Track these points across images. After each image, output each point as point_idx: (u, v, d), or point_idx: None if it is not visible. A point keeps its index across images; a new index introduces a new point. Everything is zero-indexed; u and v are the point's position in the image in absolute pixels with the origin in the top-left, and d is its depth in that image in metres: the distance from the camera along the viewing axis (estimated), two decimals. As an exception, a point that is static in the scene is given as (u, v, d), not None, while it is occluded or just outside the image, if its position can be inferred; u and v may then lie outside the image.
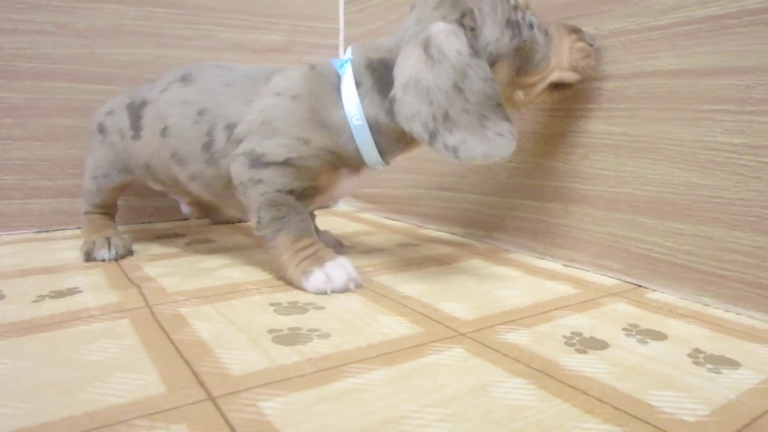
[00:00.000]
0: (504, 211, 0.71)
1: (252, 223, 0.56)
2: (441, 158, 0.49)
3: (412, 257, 0.67)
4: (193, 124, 0.59)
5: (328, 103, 0.54)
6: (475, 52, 0.49)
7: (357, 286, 0.54)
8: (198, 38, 0.90)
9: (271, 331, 0.44)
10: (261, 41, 0.96)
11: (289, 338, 0.43)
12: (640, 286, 0.56)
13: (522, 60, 0.53)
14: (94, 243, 0.66)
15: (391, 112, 0.50)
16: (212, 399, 0.34)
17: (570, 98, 0.61)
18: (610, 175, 0.58)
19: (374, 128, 0.54)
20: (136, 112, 0.65)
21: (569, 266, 0.63)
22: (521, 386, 0.36)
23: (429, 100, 0.48)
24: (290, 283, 0.55)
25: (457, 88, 0.48)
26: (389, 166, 0.58)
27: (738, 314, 0.49)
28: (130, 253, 0.68)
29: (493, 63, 0.51)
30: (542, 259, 0.66)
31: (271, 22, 0.97)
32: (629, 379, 0.37)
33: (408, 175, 0.89)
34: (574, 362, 0.39)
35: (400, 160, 0.60)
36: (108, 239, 0.67)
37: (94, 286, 0.55)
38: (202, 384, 0.36)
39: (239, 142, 0.55)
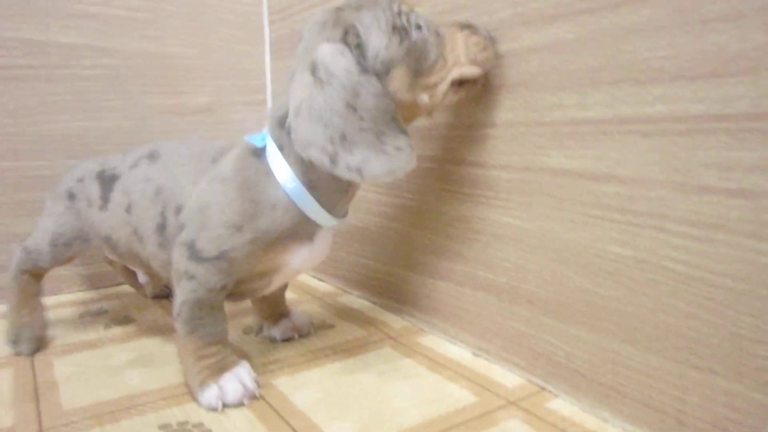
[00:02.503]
0: (419, 288, 0.71)
1: (173, 312, 0.55)
2: (346, 178, 0.49)
3: (321, 347, 0.67)
4: (150, 203, 0.59)
5: (259, 177, 0.53)
6: (363, 68, 0.49)
7: (250, 398, 0.54)
8: (124, 107, 0.91)
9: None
10: (188, 104, 0.97)
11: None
12: (544, 389, 0.55)
13: (417, 62, 0.52)
14: (17, 335, 0.66)
15: (314, 165, 0.50)
16: None
17: (471, 183, 0.61)
18: (512, 267, 0.58)
19: (309, 185, 0.53)
20: (107, 184, 0.65)
21: (478, 355, 0.63)
22: None
23: (323, 123, 0.47)
24: (188, 388, 0.55)
25: (351, 107, 0.47)
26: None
27: (634, 433, 0.48)
28: (44, 340, 0.68)
29: (387, 70, 0.50)
30: (453, 343, 0.66)
31: (197, 85, 0.98)
32: None
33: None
34: None
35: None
36: (29, 332, 0.66)
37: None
38: None
39: (182, 227, 0.55)
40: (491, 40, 0.56)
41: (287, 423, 0.50)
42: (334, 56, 0.48)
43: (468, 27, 0.55)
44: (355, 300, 0.84)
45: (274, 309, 0.70)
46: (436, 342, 0.67)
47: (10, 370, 0.62)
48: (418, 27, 0.51)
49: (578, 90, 0.49)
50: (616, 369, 0.49)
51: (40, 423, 0.51)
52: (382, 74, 0.50)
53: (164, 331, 0.72)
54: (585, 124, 0.49)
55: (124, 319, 0.77)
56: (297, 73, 0.51)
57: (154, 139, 0.90)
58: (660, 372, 0.46)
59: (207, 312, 0.54)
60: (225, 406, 0.53)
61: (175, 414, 0.52)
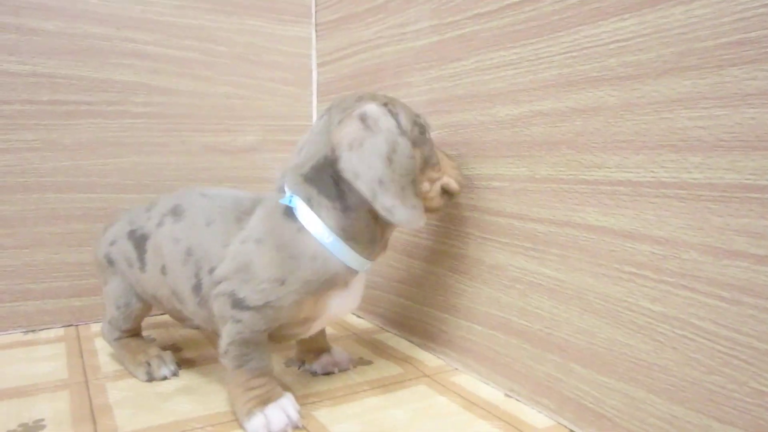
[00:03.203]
0: (454, 330, 0.74)
1: (220, 350, 0.59)
2: (380, 214, 0.55)
3: (359, 382, 0.70)
4: (182, 265, 0.62)
5: (292, 235, 0.57)
6: (402, 131, 0.56)
7: (294, 428, 0.57)
8: (174, 144, 0.96)
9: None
10: (235, 143, 1.01)
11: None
12: (572, 431, 0.58)
13: (427, 154, 0.61)
14: (149, 364, 0.70)
15: (346, 209, 0.56)
16: None
17: (510, 233, 0.64)
18: (545, 315, 0.60)
19: (344, 235, 0.57)
20: (140, 244, 0.68)
21: (510, 396, 0.65)
22: None
23: (369, 163, 0.54)
24: (235, 416, 0.59)
25: (389, 159, 0.54)
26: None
27: (653, 477, 0.50)
28: (178, 365, 0.73)
29: (412, 146, 0.58)
30: (486, 384, 0.68)
31: (245, 124, 1.02)
32: None
33: (371, 276, 0.93)
34: None
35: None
36: (161, 357, 0.71)
37: (57, 419, 0.59)
38: None
39: (218, 283, 0.58)
40: (464, 177, 0.68)
41: (329, 455, 0.53)
42: (382, 112, 0.56)
43: (450, 156, 0.67)
44: (393, 338, 0.87)
45: (315, 344, 0.73)
46: (469, 382, 0.70)
47: (66, 392, 0.66)
48: (428, 132, 0.62)
49: (619, 152, 0.52)
50: (642, 416, 0.51)
51: (99, 442, 0.55)
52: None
53: (209, 360, 0.76)
54: (624, 185, 0.52)
55: (171, 347, 0.81)
56: (341, 123, 0.57)
57: (202, 176, 0.95)
58: (683, 422, 0.48)
59: (253, 348, 0.58)
60: (270, 434, 0.56)
61: (224, 440, 0.56)
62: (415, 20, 0.78)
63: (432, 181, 0.62)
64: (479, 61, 0.68)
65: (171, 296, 0.65)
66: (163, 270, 0.65)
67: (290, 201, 0.58)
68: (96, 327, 0.90)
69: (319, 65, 1.07)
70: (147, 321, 0.92)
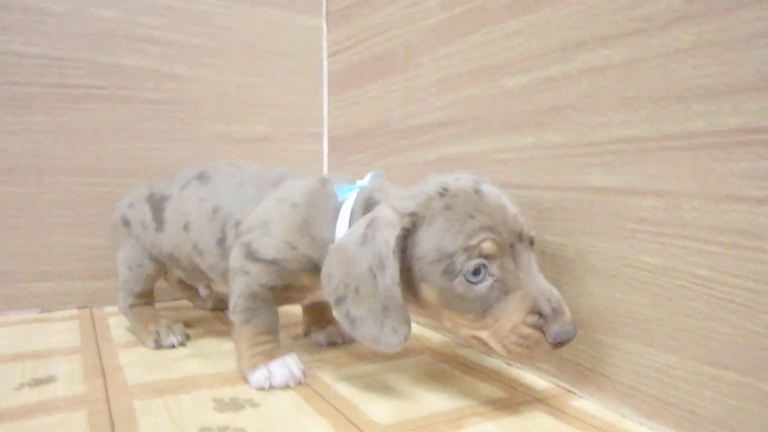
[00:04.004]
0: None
1: (230, 305, 0.61)
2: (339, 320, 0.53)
3: (364, 352, 0.71)
4: (209, 221, 0.66)
5: (322, 220, 0.59)
6: (396, 250, 0.48)
7: (296, 384, 0.58)
8: (184, 132, 0.97)
9: (201, 429, 0.48)
10: (245, 132, 1.03)
11: (214, 439, 0.47)
12: (571, 392, 0.58)
13: (450, 299, 0.49)
14: (158, 332, 0.71)
15: None
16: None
17: (516, 204, 0.65)
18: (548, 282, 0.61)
19: None
20: (157, 206, 0.72)
21: (511, 365, 0.65)
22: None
23: (346, 270, 0.51)
24: (241, 373, 0.60)
25: (372, 273, 0.49)
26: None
27: (650, 428, 0.50)
28: (187, 336, 0.74)
29: (423, 279, 0.49)
30: (488, 355, 0.69)
31: (256, 114, 1.03)
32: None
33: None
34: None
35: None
36: (169, 327, 0.72)
37: (69, 375, 0.61)
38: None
39: (241, 235, 0.62)
40: (549, 347, 0.47)
41: (329, 403, 0.54)
42: (386, 225, 0.49)
43: (538, 314, 0.47)
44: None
45: (322, 316, 0.74)
46: (471, 353, 0.70)
47: (79, 356, 0.68)
48: (474, 273, 0.47)
49: (624, 110, 0.53)
50: (639, 370, 0.52)
51: (107, 392, 0.56)
52: (416, 276, 0.50)
53: (221, 334, 0.78)
54: (628, 141, 0.53)
55: (184, 324, 0.82)
56: (364, 216, 0.54)
57: (210, 164, 0.98)
58: (677, 371, 0.49)
59: (260, 304, 0.60)
60: (272, 387, 0.57)
61: (228, 392, 0.57)
62: None
63: (456, 325, 0.51)
64: (488, 32, 0.69)
65: (191, 251, 0.68)
66: (186, 227, 0.68)
67: (345, 194, 0.59)
68: (110, 309, 0.91)
69: (329, 55, 1.09)
70: (159, 306, 0.94)
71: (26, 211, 0.87)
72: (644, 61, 0.52)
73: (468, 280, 0.47)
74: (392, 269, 0.48)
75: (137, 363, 0.65)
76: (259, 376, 0.57)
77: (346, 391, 0.58)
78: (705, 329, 0.47)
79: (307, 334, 0.76)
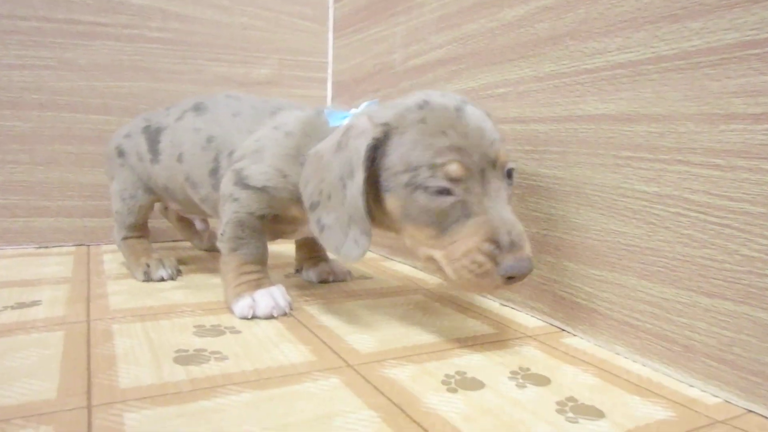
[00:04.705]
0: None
1: (218, 232, 0.60)
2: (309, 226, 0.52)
3: (356, 290, 0.69)
4: (202, 150, 0.65)
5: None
6: (366, 160, 0.47)
7: (280, 314, 0.57)
8: (189, 72, 0.97)
9: (177, 351, 0.47)
10: (250, 75, 1.02)
11: (188, 359, 0.46)
12: (563, 330, 0.56)
13: (411, 212, 0.47)
14: (148, 265, 0.71)
15: None
16: (88, 407, 0.38)
17: (512, 139, 0.62)
18: (542, 217, 0.59)
19: None
20: (153, 137, 0.71)
21: (505, 305, 0.64)
22: (367, 418, 0.37)
23: (321, 176, 0.51)
24: (226, 303, 0.59)
25: (342, 182, 0.49)
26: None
27: (643, 365, 0.48)
28: (179, 271, 0.73)
29: (387, 189, 0.48)
30: (483, 296, 0.67)
31: (261, 57, 1.02)
32: (477, 421, 0.38)
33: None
34: (434, 400, 0.40)
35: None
36: (160, 260, 0.72)
37: (53, 300, 0.60)
38: (88, 393, 0.39)
39: (234, 162, 0.60)
40: (496, 278, 0.44)
41: (312, 333, 0.53)
42: (361, 133, 0.48)
43: (495, 244, 0.44)
44: (398, 264, 0.86)
45: (314, 252, 0.73)
46: (468, 297, 0.68)
47: (67, 285, 0.67)
48: (438, 192, 0.45)
49: (621, 33, 0.51)
50: (633, 305, 0.50)
51: (88, 316, 0.56)
52: (381, 184, 0.48)
53: (211, 271, 0.77)
54: (624, 66, 0.51)
55: (178, 261, 0.82)
56: (345, 124, 0.53)
57: (208, 95, 0.96)
58: (672, 303, 0.46)
59: (248, 233, 0.58)
60: (255, 317, 0.56)
61: (211, 320, 0.56)
62: (429, -58, 0.77)
63: (415, 240, 0.49)
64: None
65: (184, 183, 0.67)
66: (180, 158, 0.67)
67: (338, 120, 0.57)
68: (107, 247, 0.91)
69: (335, 0, 1.07)
70: (157, 246, 0.93)
71: (27, 145, 0.87)
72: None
73: (429, 195, 0.45)
74: (359, 178, 0.47)
75: (123, 292, 0.65)
76: (242, 304, 0.56)
77: (330, 322, 0.57)
78: (701, 258, 0.44)
79: (298, 271, 0.75)
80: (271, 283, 0.59)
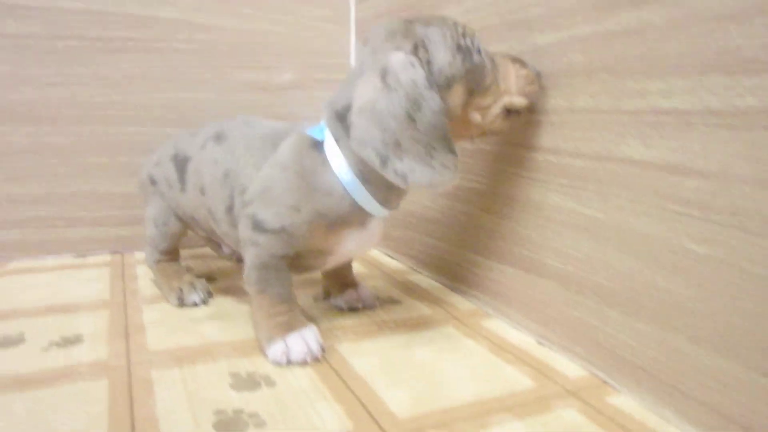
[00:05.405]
0: (486, 272, 0.71)
1: (244, 276, 0.60)
2: (391, 180, 0.52)
3: (385, 320, 0.69)
4: (220, 186, 0.64)
5: (315, 167, 0.57)
6: (429, 84, 0.51)
7: (313, 359, 0.57)
8: (214, 80, 0.97)
9: (216, 412, 0.48)
10: (273, 80, 1.02)
11: (227, 425, 0.46)
12: (605, 383, 0.55)
13: (474, 83, 0.54)
14: (181, 290, 0.72)
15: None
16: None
17: (545, 170, 0.60)
18: (581, 257, 0.57)
19: (363, 178, 0.56)
20: (181, 166, 0.71)
21: (542, 344, 0.62)
22: None
23: (382, 127, 0.50)
24: (258, 343, 0.60)
25: (410, 118, 0.50)
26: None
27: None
28: (210, 293, 0.75)
29: (449, 85, 0.53)
30: (517, 329, 0.66)
31: (284, 61, 1.02)
32: None
33: (404, 217, 0.91)
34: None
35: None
36: (192, 284, 0.73)
37: (94, 336, 0.62)
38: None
39: (246, 205, 0.59)
40: (538, 75, 0.59)
41: (346, 385, 0.53)
42: (405, 66, 0.51)
43: (518, 61, 0.58)
44: (424, 279, 0.85)
45: (342, 279, 0.73)
46: (500, 326, 0.67)
47: (107, 312, 0.69)
48: (478, 51, 0.54)
49: (664, 78, 0.48)
50: (682, 368, 0.48)
51: (128, 359, 0.57)
52: (443, 89, 0.53)
53: (241, 292, 0.77)
54: (668, 113, 0.48)
55: (206, 277, 0.83)
56: (364, 74, 0.53)
57: (241, 112, 0.97)
58: (728, 376, 0.44)
59: (273, 274, 0.58)
60: (289, 362, 0.56)
61: (245, 364, 0.56)
62: (462, -55, 0.73)
63: (482, 110, 0.56)
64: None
65: (207, 216, 0.67)
66: (202, 190, 0.67)
67: (321, 134, 0.57)
68: (139, 255, 0.93)
69: (357, 2, 1.04)
70: (186, 253, 0.95)
71: (65, 158, 0.90)
72: (685, 26, 0.46)
73: (479, 53, 0.54)
74: (434, 101, 0.50)
75: (159, 323, 0.66)
76: (276, 350, 0.56)
77: (363, 369, 0.56)
78: (761, 333, 0.42)
79: (327, 296, 0.75)
80: (303, 323, 0.59)
